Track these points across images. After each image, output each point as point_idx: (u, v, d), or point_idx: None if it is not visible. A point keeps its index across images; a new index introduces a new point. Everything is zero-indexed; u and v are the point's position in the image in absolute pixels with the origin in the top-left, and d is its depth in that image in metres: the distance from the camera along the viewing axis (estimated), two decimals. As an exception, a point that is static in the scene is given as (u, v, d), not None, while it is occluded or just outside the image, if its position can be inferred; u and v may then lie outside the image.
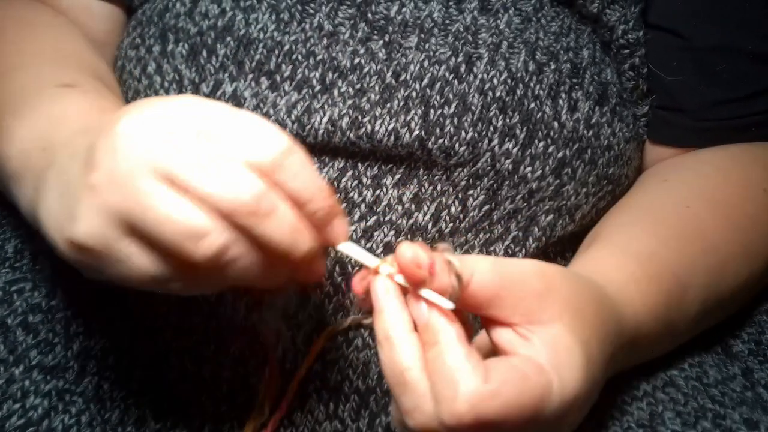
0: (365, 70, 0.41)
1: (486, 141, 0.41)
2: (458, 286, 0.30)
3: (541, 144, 0.42)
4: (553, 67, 0.43)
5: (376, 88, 0.41)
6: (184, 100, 0.30)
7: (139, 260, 0.30)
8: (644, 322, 0.37)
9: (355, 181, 0.41)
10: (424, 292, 0.30)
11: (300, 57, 0.42)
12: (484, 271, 0.31)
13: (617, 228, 0.42)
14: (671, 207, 0.42)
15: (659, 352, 0.40)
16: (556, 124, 0.42)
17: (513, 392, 0.29)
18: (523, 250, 0.43)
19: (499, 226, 0.43)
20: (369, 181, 0.41)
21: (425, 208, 0.42)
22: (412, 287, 0.31)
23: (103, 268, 0.30)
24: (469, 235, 0.42)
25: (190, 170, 0.28)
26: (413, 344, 0.30)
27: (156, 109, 0.30)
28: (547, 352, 0.30)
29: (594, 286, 0.35)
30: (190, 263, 0.29)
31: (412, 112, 0.41)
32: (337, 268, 0.41)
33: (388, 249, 0.41)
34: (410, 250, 0.30)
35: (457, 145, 0.41)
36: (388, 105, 0.41)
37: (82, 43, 0.45)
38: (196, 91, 0.42)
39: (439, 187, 0.42)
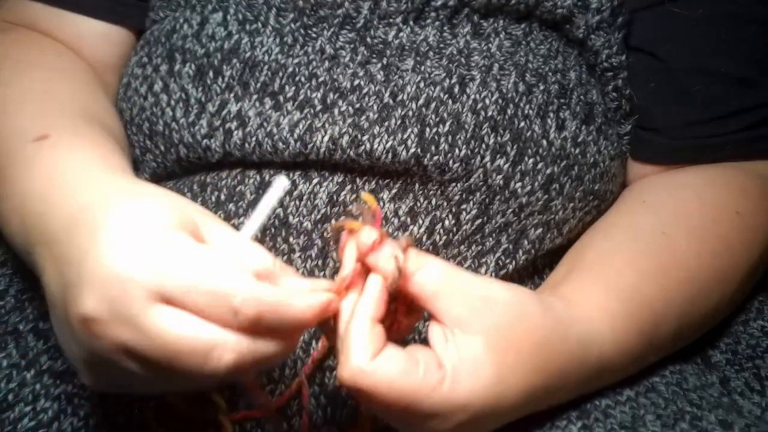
0: (364, 90, 0.43)
1: (478, 158, 0.43)
2: (397, 276, 0.33)
3: (531, 161, 0.44)
4: (541, 88, 0.45)
5: (375, 107, 0.43)
6: (161, 209, 0.30)
7: (146, 377, 0.30)
8: (611, 359, 0.38)
9: (354, 195, 0.43)
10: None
11: (303, 78, 0.43)
12: (432, 271, 0.34)
13: (599, 255, 0.43)
14: (649, 233, 0.44)
15: (630, 373, 0.42)
16: (544, 142, 0.44)
17: (389, 375, 0.32)
18: (513, 262, 0.45)
19: (491, 238, 0.44)
20: None
21: (420, 221, 0.43)
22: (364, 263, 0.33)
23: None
24: (462, 247, 0.44)
25: (189, 289, 0.29)
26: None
27: (135, 224, 0.29)
28: (453, 355, 0.33)
29: (552, 321, 0.36)
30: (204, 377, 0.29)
31: (409, 130, 0.43)
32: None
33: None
34: (369, 237, 0.33)
35: (451, 161, 0.43)
36: (386, 124, 0.43)
37: (76, 83, 0.46)
38: (202, 109, 0.44)
39: (433, 202, 0.43)
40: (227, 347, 0.29)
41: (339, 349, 0.33)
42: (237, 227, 0.43)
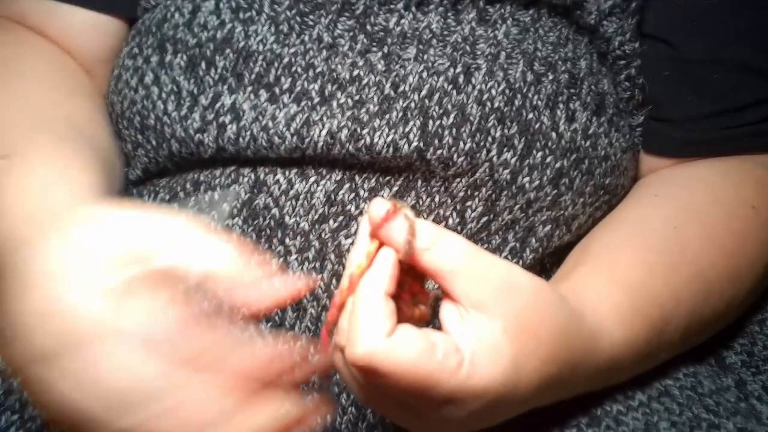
0: (364, 81, 0.41)
1: (484, 151, 0.41)
2: (409, 246, 0.31)
3: (539, 154, 0.42)
4: (551, 77, 0.43)
5: (375, 99, 0.41)
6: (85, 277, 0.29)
7: None
8: (621, 353, 0.37)
9: (353, 194, 0.41)
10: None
11: (299, 69, 0.42)
12: (453, 247, 0.31)
13: (607, 249, 0.42)
14: (659, 228, 0.42)
15: (640, 371, 0.41)
16: (554, 134, 0.42)
17: (408, 356, 0.30)
18: (520, 261, 0.43)
19: (497, 236, 0.43)
20: (366, 194, 0.41)
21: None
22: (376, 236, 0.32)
23: None
24: None
25: None
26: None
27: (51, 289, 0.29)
28: (472, 338, 0.31)
29: (568, 312, 0.35)
30: None
31: (411, 123, 0.41)
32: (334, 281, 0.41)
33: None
34: (380, 209, 0.31)
35: (455, 155, 0.41)
36: (387, 116, 0.41)
37: (62, 92, 0.44)
38: (194, 102, 0.42)
39: (437, 199, 0.42)
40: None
41: (346, 326, 0.31)
42: (231, 227, 0.42)
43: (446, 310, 0.32)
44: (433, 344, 0.31)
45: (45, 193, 0.34)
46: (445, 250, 0.31)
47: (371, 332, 0.30)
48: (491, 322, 0.32)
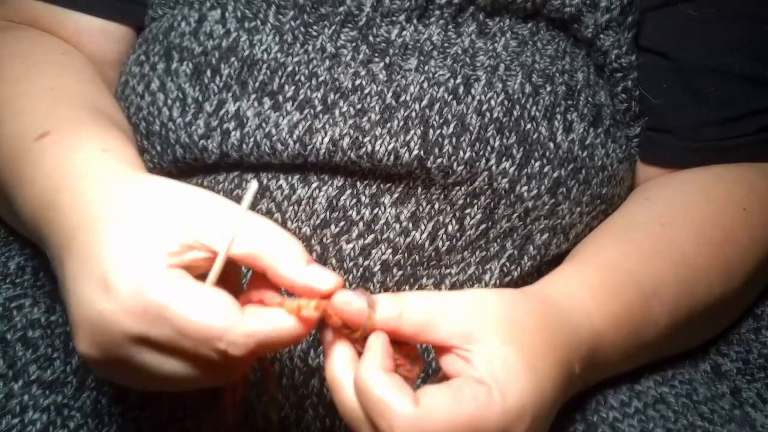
0: (366, 91, 0.42)
1: (483, 160, 0.42)
2: (367, 323, 0.32)
3: (537, 164, 0.43)
4: (548, 89, 0.44)
5: (377, 108, 0.42)
6: (152, 239, 0.30)
7: (161, 365, 0.30)
8: (604, 330, 0.37)
9: (354, 200, 0.42)
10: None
11: (303, 78, 0.42)
12: (416, 304, 0.32)
13: (587, 245, 0.43)
14: (645, 223, 0.43)
15: (632, 364, 0.41)
16: (551, 144, 0.43)
17: (445, 409, 0.30)
18: (519, 269, 0.44)
19: (495, 244, 0.43)
20: (367, 200, 0.42)
21: (422, 227, 0.42)
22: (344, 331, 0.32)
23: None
24: (466, 253, 0.43)
25: (171, 338, 0.30)
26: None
27: (119, 261, 0.30)
28: (484, 366, 0.32)
29: (537, 298, 0.36)
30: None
31: (412, 132, 0.41)
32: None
33: (385, 267, 0.42)
34: (345, 297, 0.31)
35: (455, 164, 0.42)
36: (388, 125, 0.41)
37: (83, 79, 0.45)
38: (199, 109, 0.43)
39: (436, 206, 0.42)
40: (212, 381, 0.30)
41: (373, 414, 0.31)
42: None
43: (446, 360, 0.33)
44: (458, 388, 0.31)
45: (88, 169, 0.35)
46: (413, 309, 0.32)
47: (401, 408, 0.30)
48: (489, 343, 0.32)
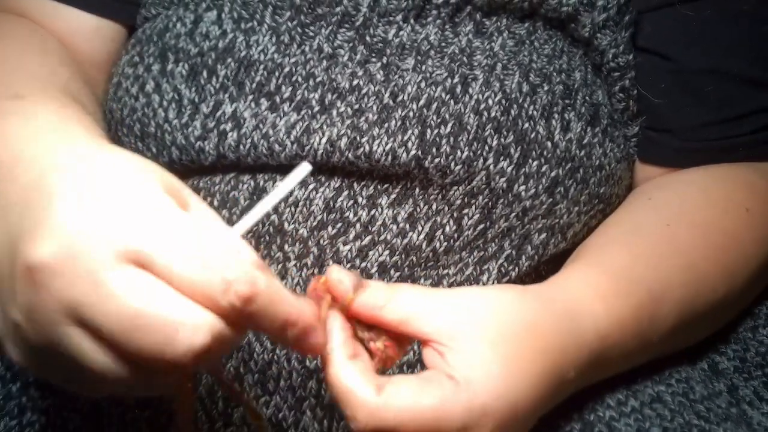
0: (363, 91, 0.42)
1: (481, 160, 0.42)
2: (343, 304, 0.32)
3: (535, 163, 0.43)
4: (546, 88, 0.44)
5: (374, 108, 0.42)
6: (149, 170, 0.27)
7: (93, 356, 0.25)
8: (609, 335, 0.38)
9: (351, 201, 0.42)
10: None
11: (300, 78, 0.42)
12: (405, 295, 0.33)
13: (595, 247, 0.43)
14: (650, 225, 0.43)
15: (635, 363, 0.41)
16: (549, 143, 0.43)
17: (408, 398, 0.30)
18: (516, 269, 0.44)
19: (493, 244, 0.43)
20: (364, 201, 0.42)
21: (420, 228, 0.42)
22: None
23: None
24: (464, 253, 0.43)
25: (176, 255, 0.24)
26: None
27: (118, 177, 0.25)
28: (459, 364, 0.32)
29: (540, 300, 0.36)
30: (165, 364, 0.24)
31: (409, 131, 0.41)
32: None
33: (383, 268, 0.42)
34: (337, 275, 0.32)
35: (452, 164, 0.42)
36: (386, 125, 0.41)
37: (52, 57, 0.44)
38: (195, 110, 0.43)
39: (434, 207, 0.42)
40: (202, 328, 0.24)
41: (339, 403, 0.31)
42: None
43: (426, 353, 0.33)
44: (426, 380, 0.32)
45: (68, 127, 0.32)
46: (401, 301, 0.33)
47: (362, 395, 0.30)
48: (470, 344, 0.33)
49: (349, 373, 0.31)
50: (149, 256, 0.24)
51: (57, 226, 0.24)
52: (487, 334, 0.33)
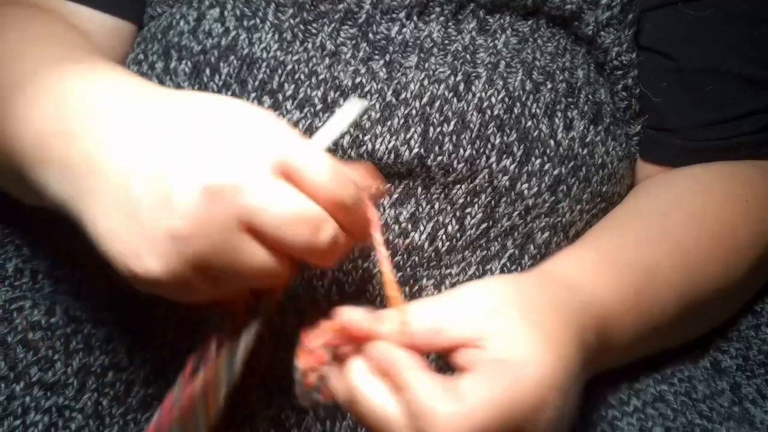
0: (366, 89, 0.42)
1: (484, 158, 0.42)
2: (405, 329, 0.31)
3: (538, 161, 0.43)
4: (549, 86, 0.44)
5: (377, 106, 0.42)
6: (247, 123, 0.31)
7: (256, 253, 0.30)
8: (611, 307, 0.38)
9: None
10: (378, 345, 0.31)
11: (302, 76, 0.42)
12: (420, 312, 0.32)
13: (590, 235, 0.44)
14: (645, 214, 0.44)
15: (644, 349, 0.41)
16: (552, 142, 0.43)
17: (487, 398, 0.30)
18: (519, 268, 0.44)
19: (496, 243, 0.43)
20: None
21: (422, 228, 0.42)
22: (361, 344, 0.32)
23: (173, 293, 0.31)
24: (466, 252, 0.43)
25: (309, 164, 0.30)
26: (382, 386, 0.31)
27: (225, 141, 0.30)
28: (502, 348, 0.32)
29: (542, 277, 0.36)
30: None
31: (412, 129, 0.41)
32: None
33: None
34: (352, 314, 0.32)
35: (455, 162, 0.41)
36: (389, 123, 0.41)
37: (78, 34, 0.44)
38: None
39: (436, 206, 0.42)
40: (332, 224, 0.31)
41: (417, 424, 0.30)
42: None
43: (460, 356, 0.32)
44: (485, 371, 0.31)
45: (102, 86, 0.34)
46: (420, 317, 0.32)
47: (444, 409, 0.29)
48: (503, 329, 0.32)
49: (428, 385, 0.30)
50: (296, 170, 0.30)
51: (220, 154, 0.30)
52: (515, 316, 0.33)
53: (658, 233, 0.42)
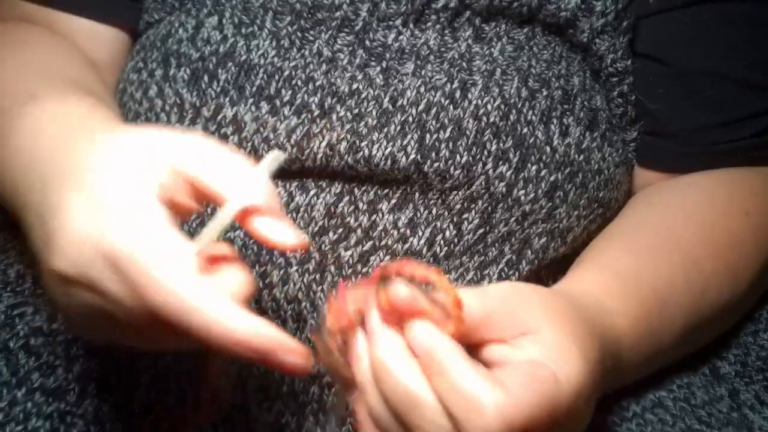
0: (363, 95, 0.42)
1: (480, 164, 0.42)
2: (458, 313, 0.30)
3: (534, 168, 0.43)
4: (545, 93, 0.44)
5: (374, 113, 0.42)
6: (134, 170, 0.30)
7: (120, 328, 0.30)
8: (625, 333, 0.38)
9: (352, 207, 0.42)
10: (418, 325, 0.30)
11: (299, 82, 0.42)
12: (469, 301, 0.31)
13: (598, 251, 0.44)
14: (652, 227, 0.44)
15: (649, 369, 0.41)
16: (548, 148, 0.43)
17: (533, 395, 0.30)
18: (517, 273, 0.44)
19: (494, 249, 0.44)
20: (365, 207, 0.42)
21: (420, 233, 0.42)
22: (404, 321, 0.31)
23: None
24: (464, 258, 0.43)
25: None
26: (416, 368, 0.30)
27: (102, 187, 0.30)
28: (541, 351, 0.32)
29: (569, 296, 0.36)
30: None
31: (409, 136, 0.42)
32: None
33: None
34: (407, 290, 0.30)
35: (452, 168, 0.42)
36: (386, 129, 0.42)
37: (69, 57, 0.45)
38: (197, 115, 0.43)
39: (434, 211, 0.43)
40: None
41: (425, 420, 0.29)
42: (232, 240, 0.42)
43: (494, 350, 0.32)
44: (529, 373, 0.30)
45: (70, 124, 0.35)
46: (472, 305, 0.31)
47: (492, 397, 0.29)
48: (540, 331, 0.32)
49: (472, 373, 0.29)
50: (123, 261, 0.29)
51: (59, 242, 0.30)
52: (552, 320, 0.32)
53: (670, 248, 0.42)
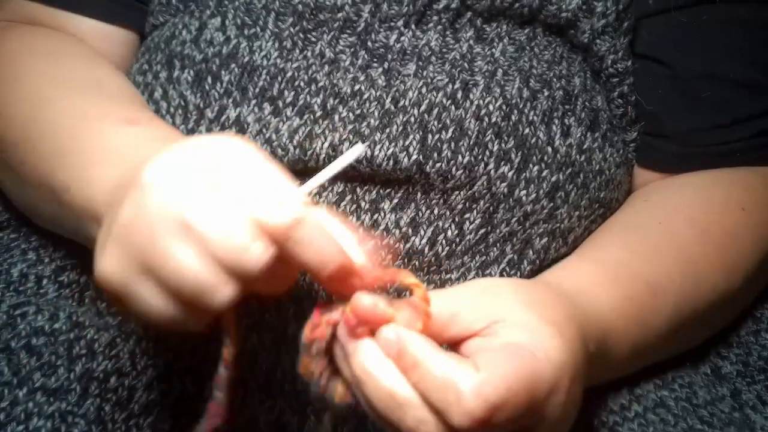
0: (365, 96, 0.42)
1: (482, 165, 0.42)
2: (425, 308, 0.31)
3: (536, 168, 0.43)
4: (546, 94, 0.44)
5: (376, 113, 0.42)
6: (208, 144, 0.31)
7: (154, 301, 0.30)
8: (612, 321, 0.38)
9: (354, 206, 0.42)
10: (386, 328, 0.31)
11: (302, 83, 0.43)
12: (435, 301, 0.32)
13: (589, 244, 0.44)
14: (646, 222, 0.44)
15: (644, 361, 0.41)
16: (549, 149, 0.43)
17: (509, 370, 0.30)
18: (518, 273, 0.44)
19: (495, 248, 0.44)
20: (367, 206, 0.42)
21: (422, 232, 0.42)
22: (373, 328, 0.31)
23: (127, 305, 0.31)
24: (466, 257, 0.43)
25: (204, 225, 0.29)
26: (394, 369, 0.31)
27: (179, 157, 0.30)
28: (514, 334, 0.32)
29: (548, 284, 0.37)
30: (203, 309, 0.30)
31: (411, 137, 0.42)
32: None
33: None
34: (369, 299, 0.31)
35: (454, 168, 0.42)
36: (388, 130, 0.42)
37: (114, 71, 0.46)
38: (201, 116, 0.43)
39: (436, 211, 0.43)
40: (230, 289, 0.29)
41: (406, 414, 0.30)
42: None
43: (470, 344, 0.32)
44: (506, 350, 0.31)
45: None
46: (437, 304, 0.32)
47: (466, 378, 0.29)
48: (514, 317, 0.32)
49: (444, 360, 0.30)
50: (189, 226, 0.29)
51: (128, 209, 0.31)
52: (524, 307, 0.33)
53: (662, 242, 0.42)
